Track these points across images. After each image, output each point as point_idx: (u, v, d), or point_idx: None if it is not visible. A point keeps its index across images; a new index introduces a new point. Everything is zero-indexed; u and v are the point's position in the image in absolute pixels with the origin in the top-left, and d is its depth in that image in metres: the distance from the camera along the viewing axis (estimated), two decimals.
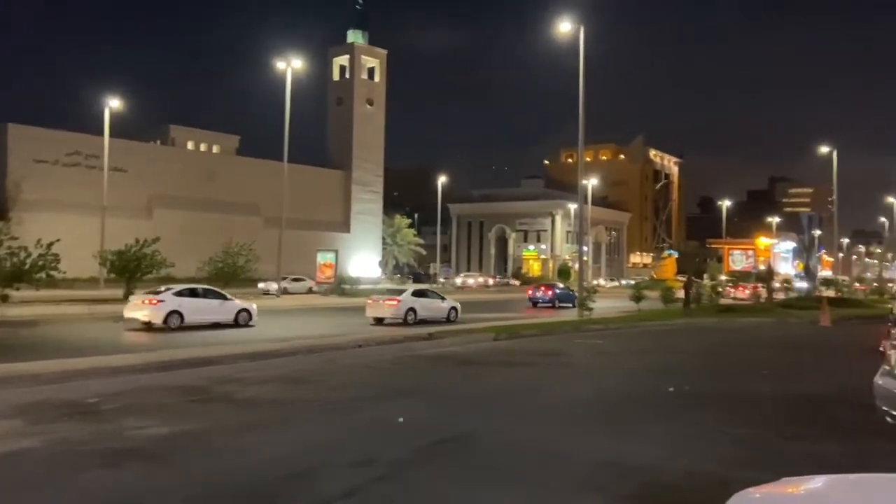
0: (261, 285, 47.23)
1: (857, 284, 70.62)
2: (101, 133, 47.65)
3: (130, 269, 33.51)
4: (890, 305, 20.47)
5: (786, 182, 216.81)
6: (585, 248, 50.00)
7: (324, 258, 49.86)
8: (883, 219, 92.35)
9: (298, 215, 64.13)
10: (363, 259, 78.38)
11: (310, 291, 48.45)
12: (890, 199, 75.79)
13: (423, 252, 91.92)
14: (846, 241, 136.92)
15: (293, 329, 22.25)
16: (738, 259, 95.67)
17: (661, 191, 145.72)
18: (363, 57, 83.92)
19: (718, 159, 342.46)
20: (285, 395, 11.15)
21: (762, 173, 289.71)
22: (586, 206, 49.35)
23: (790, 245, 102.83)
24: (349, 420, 9.21)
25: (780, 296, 50.06)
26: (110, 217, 46.15)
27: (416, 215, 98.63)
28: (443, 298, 28.10)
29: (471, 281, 78.15)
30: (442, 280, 76.53)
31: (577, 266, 51.75)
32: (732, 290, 53.39)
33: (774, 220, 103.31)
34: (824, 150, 54.06)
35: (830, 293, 53.65)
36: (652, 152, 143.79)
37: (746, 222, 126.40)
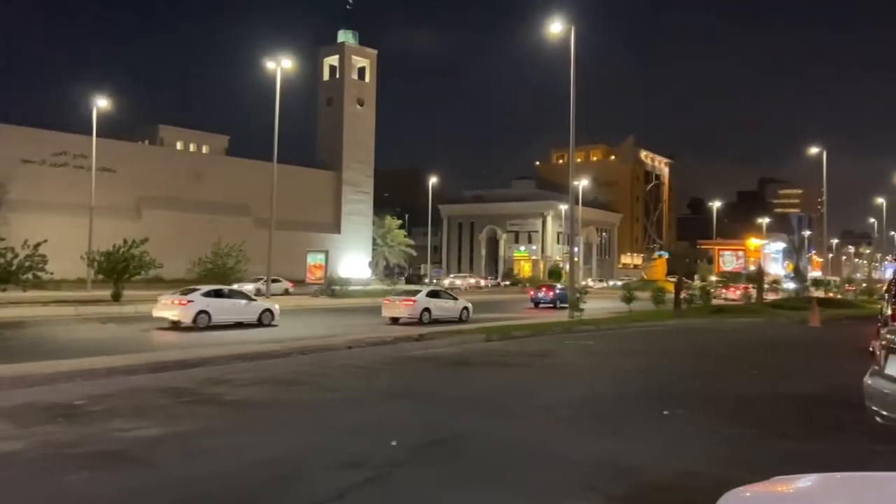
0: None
1: (846, 285, 71.10)
2: (89, 133, 47.34)
3: (118, 271, 33.31)
4: (879, 306, 20.56)
5: (776, 183, 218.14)
6: (576, 249, 50.11)
7: (314, 259, 49.61)
8: (872, 219, 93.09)
9: (288, 216, 63.99)
10: (353, 260, 78.33)
11: (286, 293, 47.68)
12: (879, 200, 76.39)
13: (414, 253, 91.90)
14: (835, 241, 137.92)
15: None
16: (728, 260, 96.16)
17: (651, 192, 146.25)
18: (353, 57, 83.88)
19: (709, 160, 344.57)
20: (276, 396, 11.08)
21: (752, 174, 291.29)
22: (577, 206, 49.42)
23: (780, 246, 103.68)
24: (340, 421, 9.15)
25: (773, 296, 50.40)
26: (98, 218, 45.86)
27: (406, 216, 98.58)
28: (455, 299, 29.15)
29: (458, 282, 74.52)
30: (434, 282, 76.35)
31: (567, 267, 51.84)
32: (724, 291, 53.69)
33: (764, 220, 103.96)
34: (814, 151, 54.37)
35: (820, 293, 54.01)
36: (642, 153, 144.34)
37: (737, 223, 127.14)
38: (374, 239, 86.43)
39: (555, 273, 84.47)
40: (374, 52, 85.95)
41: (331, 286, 46.37)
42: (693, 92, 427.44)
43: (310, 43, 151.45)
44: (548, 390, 12.21)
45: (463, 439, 8.18)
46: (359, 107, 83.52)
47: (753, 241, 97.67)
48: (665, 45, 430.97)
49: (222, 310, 23.52)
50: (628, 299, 34.62)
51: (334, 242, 74.24)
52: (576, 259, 45.67)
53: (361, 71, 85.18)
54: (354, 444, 7.86)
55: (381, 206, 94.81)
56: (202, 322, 22.58)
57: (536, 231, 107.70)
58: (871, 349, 13.03)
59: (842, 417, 9.46)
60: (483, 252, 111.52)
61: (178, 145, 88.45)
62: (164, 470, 6.80)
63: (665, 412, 9.73)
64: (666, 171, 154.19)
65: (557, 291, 41.76)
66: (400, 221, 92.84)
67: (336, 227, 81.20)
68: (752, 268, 67.67)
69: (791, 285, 63.09)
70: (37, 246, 28.56)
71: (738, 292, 52.41)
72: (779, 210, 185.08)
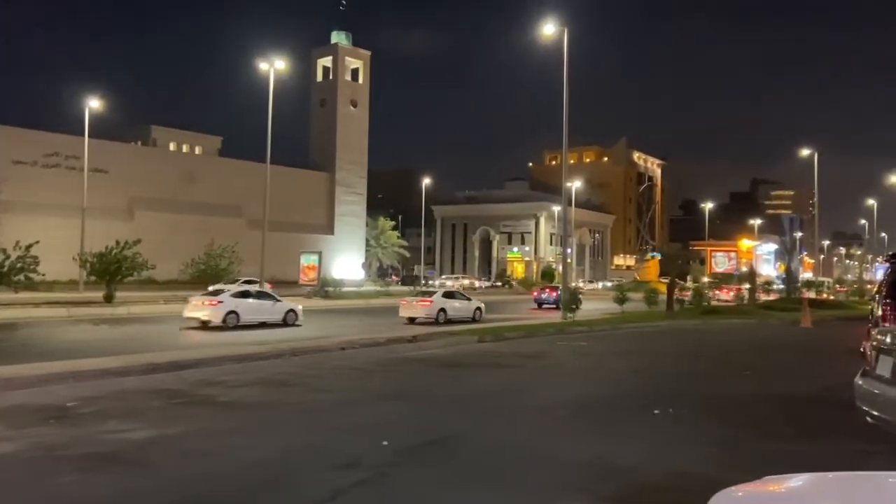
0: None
1: (837, 286, 71.40)
2: (81, 133, 47.07)
3: (111, 272, 33.14)
4: (870, 307, 20.66)
5: (768, 184, 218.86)
6: (569, 251, 50.11)
7: (307, 260, 49.52)
8: (863, 221, 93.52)
9: (282, 217, 63.79)
10: (347, 261, 78.09)
11: None
12: (870, 201, 76.78)
13: (407, 254, 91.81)
14: (827, 243, 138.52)
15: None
16: (720, 261, 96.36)
17: (644, 193, 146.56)
18: (347, 58, 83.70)
19: (708, 161, 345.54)
20: (269, 397, 11.06)
21: (744, 175, 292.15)
22: (570, 208, 49.41)
23: (772, 247, 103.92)
24: (333, 423, 9.14)
25: (768, 296, 50.58)
26: (90, 219, 45.63)
27: (399, 217, 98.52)
28: (469, 299, 30.27)
29: (449, 283, 70.14)
30: (430, 283, 76.20)
31: (561, 268, 51.87)
32: (717, 293, 53.89)
33: (756, 222, 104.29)
34: (805, 152, 54.56)
35: (811, 294, 54.24)
36: (635, 155, 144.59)
37: (729, 224, 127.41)
38: (367, 240, 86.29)
39: (548, 274, 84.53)
40: (368, 53, 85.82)
41: (324, 287, 46.30)
42: (690, 93, 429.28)
43: (303, 44, 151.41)
44: (541, 391, 12.23)
45: (456, 440, 8.19)
46: (352, 108, 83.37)
47: (745, 243, 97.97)
48: (661, 46, 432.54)
49: (250, 310, 24.57)
50: (621, 300, 34.70)
51: (328, 243, 74.04)
52: (569, 260, 45.71)
53: (355, 72, 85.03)
54: (348, 445, 7.85)
55: (375, 207, 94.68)
56: (231, 322, 23.49)
57: (529, 232, 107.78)
58: (861, 350, 13.09)
59: (833, 417, 9.52)
60: (476, 253, 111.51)
61: (171, 146, 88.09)
62: (157, 471, 6.78)
63: (658, 413, 9.77)
64: (658, 172, 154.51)
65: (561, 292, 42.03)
66: (393, 222, 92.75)
67: (329, 229, 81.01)
68: (744, 269, 67.89)
69: (781, 286, 63.41)
70: (28, 247, 28.42)
71: (732, 293, 52.61)
72: (771, 211, 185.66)
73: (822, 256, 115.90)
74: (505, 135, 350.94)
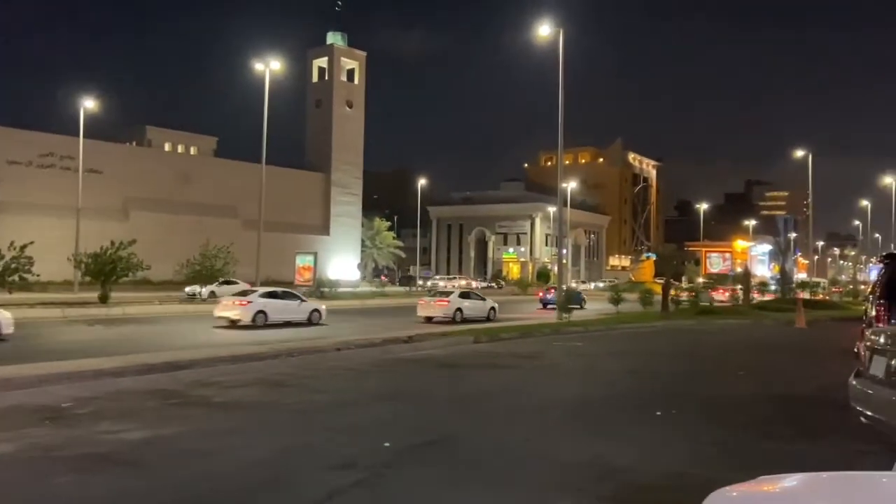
0: (187, 290, 41.76)
1: (831, 287, 71.59)
2: (75, 134, 46.93)
3: (106, 273, 33.01)
4: (863, 307, 20.75)
5: (762, 185, 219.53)
6: (565, 251, 50.20)
7: (303, 261, 49.41)
8: (857, 222, 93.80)
9: (277, 218, 63.75)
10: (342, 262, 78.05)
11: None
12: (864, 202, 77.02)
13: (403, 255, 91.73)
14: (821, 243, 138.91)
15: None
16: (715, 262, 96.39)
17: (639, 194, 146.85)
18: (342, 59, 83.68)
19: (701, 162, 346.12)
20: (265, 398, 11.05)
21: (739, 176, 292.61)
22: (566, 208, 49.54)
23: (767, 248, 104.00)
24: (330, 423, 9.14)
25: (763, 297, 50.67)
26: (85, 219, 45.49)
27: (395, 218, 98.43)
28: (483, 299, 31.06)
29: (442, 284, 69.22)
30: (428, 284, 76.03)
31: (556, 269, 51.96)
32: (713, 294, 54.01)
33: (751, 223, 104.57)
34: (800, 154, 54.75)
35: (806, 295, 54.38)
36: (630, 155, 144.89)
37: (723, 225, 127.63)
38: (363, 241, 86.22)
39: (543, 275, 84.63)
40: (364, 53, 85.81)
41: (320, 288, 46.22)
42: (689, 93, 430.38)
43: (299, 44, 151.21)
44: (537, 392, 12.24)
45: (452, 441, 8.20)
46: (348, 108, 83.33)
47: (740, 243, 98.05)
48: (660, 46, 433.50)
49: (277, 310, 25.36)
50: (616, 301, 34.76)
51: (323, 244, 74.00)
52: (564, 261, 45.85)
53: (350, 73, 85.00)
54: (344, 445, 7.86)
55: (371, 207, 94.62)
56: (260, 321, 24.29)
57: (525, 233, 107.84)
58: (855, 350, 13.13)
59: (827, 418, 9.56)
60: (472, 254, 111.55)
61: (166, 146, 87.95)
62: (152, 472, 6.78)
63: (654, 413, 9.79)
64: (654, 173, 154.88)
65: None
66: (389, 223, 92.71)
67: (325, 229, 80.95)
68: (739, 270, 67.96)
69: (775, 287, 63.60)
70: (23, 247, 28.29)
71: (727, 294, 52.75)
72: (765, 212, 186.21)
73: (816, 257, 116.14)
74: (501, 136, 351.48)
